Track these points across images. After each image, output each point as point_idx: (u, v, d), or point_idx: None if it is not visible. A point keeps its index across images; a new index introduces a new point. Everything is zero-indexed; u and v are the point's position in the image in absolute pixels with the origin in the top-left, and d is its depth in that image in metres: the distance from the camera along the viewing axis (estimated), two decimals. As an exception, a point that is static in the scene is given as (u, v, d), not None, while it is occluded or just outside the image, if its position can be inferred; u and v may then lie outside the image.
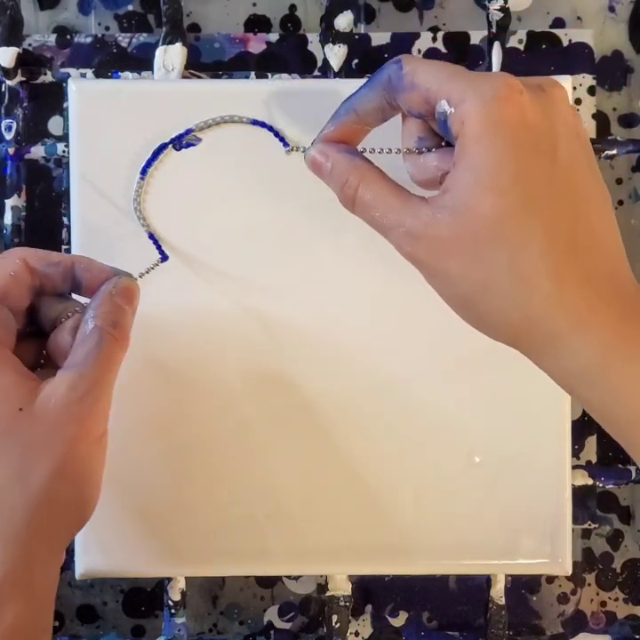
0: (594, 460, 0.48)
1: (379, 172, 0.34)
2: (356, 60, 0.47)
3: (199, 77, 0.45)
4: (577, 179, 0.32)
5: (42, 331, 0.37)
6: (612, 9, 0.48)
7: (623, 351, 0.31)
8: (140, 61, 0.47)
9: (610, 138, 0.46)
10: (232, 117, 0.41)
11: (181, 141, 0.41)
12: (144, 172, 0.41)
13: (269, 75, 0.46)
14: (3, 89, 0.46)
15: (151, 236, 0.41)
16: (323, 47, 0.45)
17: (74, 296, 0.37)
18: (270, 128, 0.41)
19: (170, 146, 0.41)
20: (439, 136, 0.34)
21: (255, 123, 0.41)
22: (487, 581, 0.45)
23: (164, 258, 0.41)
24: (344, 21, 0.44)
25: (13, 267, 0.35)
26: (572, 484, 0.43)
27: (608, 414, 0.33)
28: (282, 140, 0.41)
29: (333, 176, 0.35)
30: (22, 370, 0.34)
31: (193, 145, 0.41)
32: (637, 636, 0.48)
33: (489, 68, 0.44)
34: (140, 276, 0.38)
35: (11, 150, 0.45)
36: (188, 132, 0.41)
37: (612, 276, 0.32)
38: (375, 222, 0.34)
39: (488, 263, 0.31)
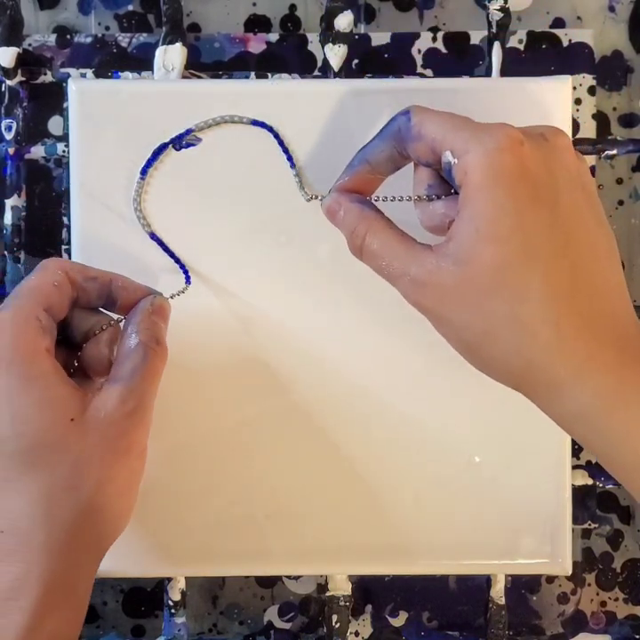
0: (594, 459, 0.48)
1: (386, 221, 0.35)
2: (356, 60, 0.47)
3: (199, 77, 0.45)
4: (579, 226, 0.33)
5: (68, 341, 0.37)
6: (612, 9, 0.48)
7: (624, 396, 0.32)
8: (140, 61, 0.47)
9: (610, 138, 0.46)
10: (232, 117, 0.41)
11: (181, 141, 0.41)
12: (144, 172, 0.41)
13: (269, 75, 0.46)
14: (3, 89, 0.46)
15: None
16: (323, 47, 0.45)
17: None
18: (270, 129, 0.41)
19: (170, 146, 0.41)
20: (448, 184, 0.34)
21: (255, 123, 0.41)
22: (487, 581, 0.45)
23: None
24: (344, 21, 0.44)
25: (56, 277, 0.35)
26: (572, 484, 0.43)
27: (611, 458, 0.33)
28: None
29: (344, 224, 0.36)
30: (70, 380, 0.34)
31: (193, 145, 0.41)
32: (637, 636, 0.48)
33: (489, 68, 0.44)
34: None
35: (11, 150, 0.45)
36: (188, 132, 0.41)
37: (613, 322, 0.32)
38: (382, 271, 0.34)
39: (489, 311, 0.32)
